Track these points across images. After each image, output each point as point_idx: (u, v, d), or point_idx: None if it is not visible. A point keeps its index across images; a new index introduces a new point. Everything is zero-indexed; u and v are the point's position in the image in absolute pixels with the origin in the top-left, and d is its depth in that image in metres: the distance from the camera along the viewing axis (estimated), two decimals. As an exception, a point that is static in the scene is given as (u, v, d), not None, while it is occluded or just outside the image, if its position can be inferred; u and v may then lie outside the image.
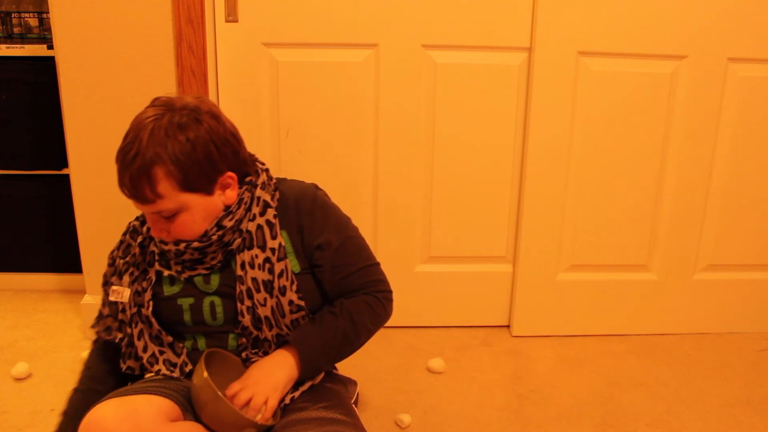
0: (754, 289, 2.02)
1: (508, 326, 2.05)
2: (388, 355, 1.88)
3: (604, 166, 1.89)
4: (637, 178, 1.90)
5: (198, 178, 1.09)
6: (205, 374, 1.03)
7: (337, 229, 1.20)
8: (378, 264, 1.27)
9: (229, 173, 1.13)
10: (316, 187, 1.24)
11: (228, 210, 1.14)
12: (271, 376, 1.12)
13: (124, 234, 1.24)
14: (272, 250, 1.14)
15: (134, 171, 1.06)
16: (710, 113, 1.86)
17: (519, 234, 1.95)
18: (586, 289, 1.99)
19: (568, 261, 1.96)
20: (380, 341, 1.95)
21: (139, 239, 1.21)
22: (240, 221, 1.15)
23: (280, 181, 1.25)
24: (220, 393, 1.02)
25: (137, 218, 1.25)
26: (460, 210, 1.95)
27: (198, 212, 1.11)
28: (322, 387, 1.22)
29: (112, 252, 1.25)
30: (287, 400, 1.15)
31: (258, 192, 1.17)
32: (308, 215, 1.18)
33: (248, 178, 1.18)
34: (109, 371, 1.22)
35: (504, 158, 1.91)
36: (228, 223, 1.13)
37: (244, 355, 1.18)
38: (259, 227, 1.15)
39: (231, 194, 1.15)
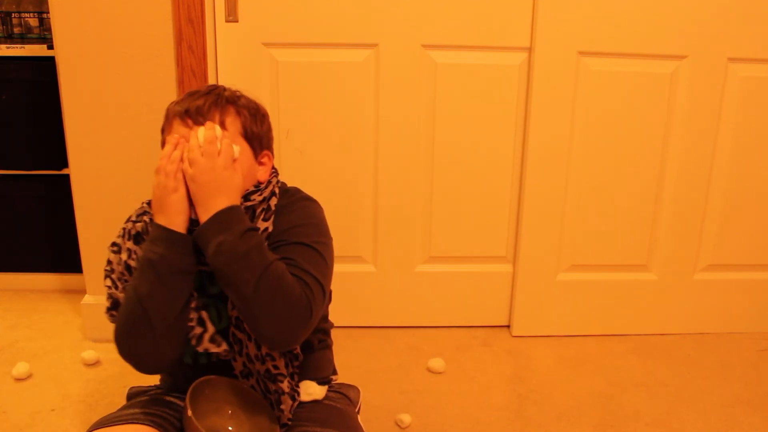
0: (754, 289, 2.02)
1: (508, 326, 2.05)
2: (388, 355, 1.88)
3: (604, 166, 1.89)
4: (637, 178, 1.90)
5: (256, 133, 1.13)
6: (189, 413, 1.01)
7: (304, 234, 1.12)
8: (324, 290, 1.09)
9: (267, 151, 1.17)
10: (310, 198, 1.20)
11: (257, 187, 1.13)
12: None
13: (131, 222, 1.15)
14: (257, 228, 1.12)
15: (209, 99, 1.09)
16: (710, 113, 1.86)
17: (519, 234, 1.94)
18: (586, 289, 1.99)
19: (568, 261, 1.96)
20: (380, 341, 1.95)
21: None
22: (265, 200, 1.13)
23: (283, 184, 1.24)
24: (204, 430, 1.00)
25: (133, 220, 1.17)
26: (460, 210, 1.95)
27: (242, 164, 1.09)
28: (327, 407, 1.18)
29: (113, 242, 1.15)
30: (287, 420, 1.12)
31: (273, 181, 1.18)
32: (283, 216, 1.14)
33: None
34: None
35: (504, 158, 1.90)
36: (257, 198, 1.11)
37: (240, 363, 1.14)
38: (254, 209, 1.13)
39: (264, 172, 1.15)
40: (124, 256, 1.11)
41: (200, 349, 1.07)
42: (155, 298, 1.03)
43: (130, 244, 1.11)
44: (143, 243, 1.08)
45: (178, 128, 1.09)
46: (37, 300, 2.18)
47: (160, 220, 1.04)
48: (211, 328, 1.08)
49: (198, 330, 1.07)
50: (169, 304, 1.04)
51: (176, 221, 1.04)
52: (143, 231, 1.10)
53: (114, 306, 1.09)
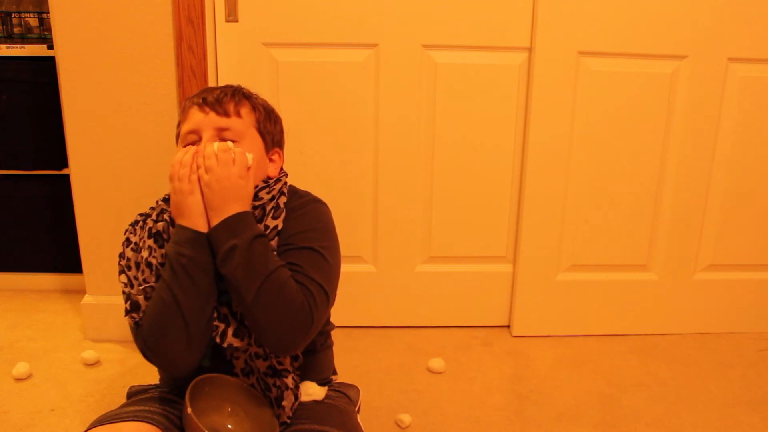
0: (754, 289, 2.02)
1: (508, 326, 2.05)
2: (388, 355, 1.88)
3: (604, 166, 1.89)
4: (637, 178, 1.90)
5: (269, 131, 1.19)
6: (189, 410, 1.01)
7: (312, 239, 1.13)
8: (328, 296, 1.10)
9: (278, 149, 1.22)
10: (319, 200, 1.21)
11: (266, 182, 1.15)
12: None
13: (139, 223, 1.16)
14: (266, 226, 1.12)
15: (227, 91, 1.15)
16: (710, 113, 1.86)
17: (519, 234, 1.94)
18: (586, 289, 1.99)
19: (568, 261, 1.96)
20: (380, 341, 1.96)
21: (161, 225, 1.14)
22: (274, 198, 1.14)
23: (292, 186, 1.25)
24: (203, 427, 1.00)
25: (153, 219, 1.17)
26: (460, 210, 1.95)
27: (254, 163, 1.11)
28: (326, 405, 1.18)
29: (127, 239, 1.16)
30: (286, 418, 1.13)
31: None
32: (293, 220, 1.14)
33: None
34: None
35: (504, 158, 1.91)
36: (265, 195, 1.13)
37: (242, 361, 1.14)
38: (264, 207, 1.14)
39: (274, 169, 1.20)
40: (144, 254, 1.11)
41: (224, 344, 1.08)
42: (191, 299, 1.04)
43: (150, 242, 1.11)
44: (165, 244, 1.09)
45: (195, 114, 1.12)
46: (37, 300, 2.18)
47: (184, 223, 1.06)
48: (233, 323, 1.09)
49: (221, 326, 1.08)
50: (204, 303, 1.06)
51: (199, 222, 1.06)
52: (164, 230, 1.11)
53: (134, 308, 1.09)
